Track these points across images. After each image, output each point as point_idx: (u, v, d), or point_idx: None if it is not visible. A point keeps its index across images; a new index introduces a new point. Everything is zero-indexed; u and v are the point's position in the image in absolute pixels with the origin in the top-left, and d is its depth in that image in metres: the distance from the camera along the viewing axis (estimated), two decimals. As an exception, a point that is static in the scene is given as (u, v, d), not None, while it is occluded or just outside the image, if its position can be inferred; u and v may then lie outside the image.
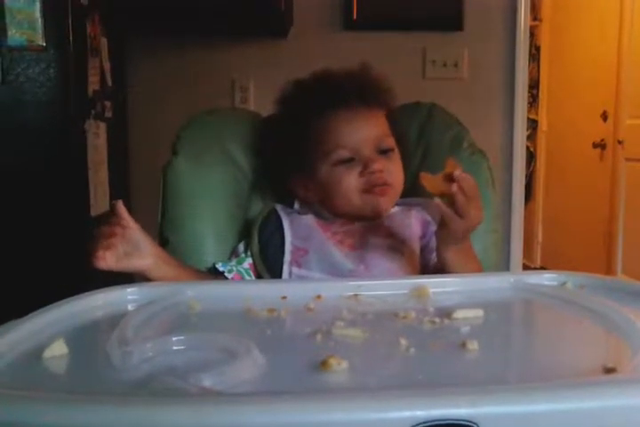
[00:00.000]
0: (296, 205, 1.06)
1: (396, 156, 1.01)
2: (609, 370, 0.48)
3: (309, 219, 1.02)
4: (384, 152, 0.99)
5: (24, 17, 1.56)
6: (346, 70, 1.02)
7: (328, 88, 1.00)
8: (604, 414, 0.42)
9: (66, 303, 0.68)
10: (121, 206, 0.87)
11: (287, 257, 0.98)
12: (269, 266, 0.98)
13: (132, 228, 0.86)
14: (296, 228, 1.01)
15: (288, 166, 1.04)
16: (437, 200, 0.85)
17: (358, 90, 1.00)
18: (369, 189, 0.97)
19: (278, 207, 1.04)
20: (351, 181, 0.97)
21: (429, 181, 0.85)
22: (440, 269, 0.94)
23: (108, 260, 0.84)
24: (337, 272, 0.96)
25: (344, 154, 0.97)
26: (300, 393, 0.45)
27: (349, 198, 0.98)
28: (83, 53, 1.69)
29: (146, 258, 0.87)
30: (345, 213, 1.01)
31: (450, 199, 0.84)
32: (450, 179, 0.83)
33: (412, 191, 1.07)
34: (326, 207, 1.03)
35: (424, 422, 0.40)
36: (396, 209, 1.05)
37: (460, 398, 0.41)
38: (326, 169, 0.99)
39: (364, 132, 0.98)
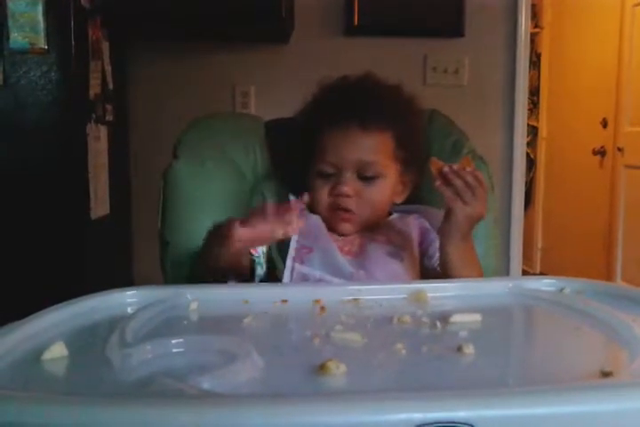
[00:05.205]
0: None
1: (382, 184, 1.02)
2: (606, 374, 0.48)
3: (317, 218, 1.04)
4: (366, 178, 1.00)
5: (26, 20, 1.56)
6: (369, 85, 1.05)
7: (337, 103, 1.03)
8: (600, 417, 0.42)
9: (65, 306, 0.68)
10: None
11: (292, 253, 0.99)
12: (274, 259, 0.99)
13: None
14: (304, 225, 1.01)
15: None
16: (439, 182, 0.88)
17: (365, 111, 1.00)
18: (331, 213, 1.01)
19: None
20: (321, 196, 1.02)
21: (437, 166, 0.89)
22: (439, 274, 0.95)
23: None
24: (338, 273, 0.96)
25: (325, 169, 1.01)
26: (298, 396, 0.45)
27: (320, 211, 1.03)
28: (84, 57, 1.69)
29: None
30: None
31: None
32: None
33: (412, 198, 1.07)
34: None
35: (421, 425, 0.40)
36: (394, 216, 1.05)
37: (457, 400, 0.42)
38: (311, 177, 1.03)
39: (350, 154, 1.00)
